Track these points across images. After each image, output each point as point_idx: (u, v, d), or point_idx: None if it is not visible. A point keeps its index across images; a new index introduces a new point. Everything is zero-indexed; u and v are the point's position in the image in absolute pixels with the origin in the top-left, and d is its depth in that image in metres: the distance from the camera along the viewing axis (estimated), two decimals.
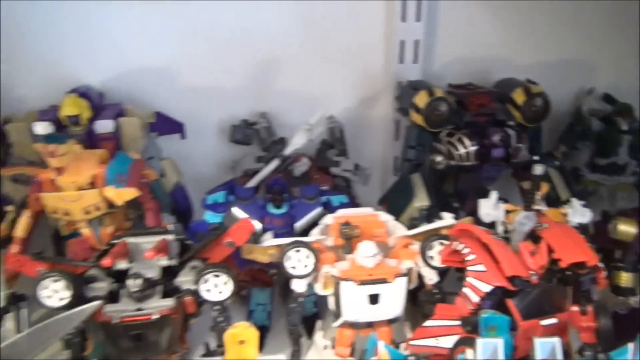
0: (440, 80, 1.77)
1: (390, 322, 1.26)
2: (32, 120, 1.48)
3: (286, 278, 1.56)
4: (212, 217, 1.47)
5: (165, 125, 1.63)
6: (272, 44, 1.74)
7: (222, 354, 1.16)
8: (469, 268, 1.08)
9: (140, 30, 1.67)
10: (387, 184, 1.86)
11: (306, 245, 1.22)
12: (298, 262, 1.22)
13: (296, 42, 1.74)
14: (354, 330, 1.27)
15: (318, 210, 1.47)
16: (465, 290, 1.08)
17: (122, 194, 1.28)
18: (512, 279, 1.06)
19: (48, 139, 1.25)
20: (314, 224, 1.44)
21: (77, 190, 1.28)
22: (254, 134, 1.68)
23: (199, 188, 1.62)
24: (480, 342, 0.90)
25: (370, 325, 1.27)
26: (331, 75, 1.80)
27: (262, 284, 1.51)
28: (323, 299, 1.35)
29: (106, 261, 1.12)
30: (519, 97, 1.58)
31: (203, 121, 1.78)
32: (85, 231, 1.35)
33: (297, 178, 1.61)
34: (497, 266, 1.07)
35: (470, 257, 1.09)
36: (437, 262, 1.24)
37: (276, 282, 1.54)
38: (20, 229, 1.31)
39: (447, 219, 1.32)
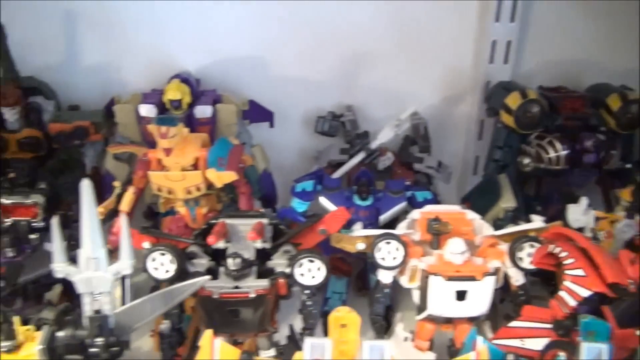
0: (529, 82, 1.74)
1: (471, 319, 1.27)
2: (135, 103, 1.57)
3: (361, 269, 1.61)
4: (299, 205, 1.50)
5: (257, 113, 1.69)
6: (363, 39, 1.76)
7: (309, 336, 1.20)
8: (566, 272, 1.07)
9: (236, 21, 1.73)
10: (466, 183, 1.86)
11: (397, 237, 1.24)
12: (388, 253, 1.24)
13: (386, 38, 1.76)
14: (435, 325, 1.29)
15: (403, 204, 1.49)
16: (562, 293, 1.07)
17: (222, 177, 1.34)
18: (610, 286, 1.05)
19: (160, 121, 1.32)
20: (395, 218, 1.47)
21: (181, 170, 1.35)
22: (339, 126, 1.71)
23: (282, 176, 1.68)
24: (584, 345, 0.90)
25: (449, 321, 1.28)
26: (418, 72, 1.80)
27: (340, 273, 1.54)
28: (397, 292, 1.37)
29: (211, 239, 1.18)
30: (614, 103, 1.55)
31: (290, 111, 1.82)
32: (182, 210, 1.42)
33: (379, 172, 1.64)
34: (596, 272, 1.06)
35: (569, 261, 1.08)
36: (526, 263, 1.23)
37: (352, 272, 1.58)
38: (125, 204, 1.37)
39: (537, 221, 1.32)
